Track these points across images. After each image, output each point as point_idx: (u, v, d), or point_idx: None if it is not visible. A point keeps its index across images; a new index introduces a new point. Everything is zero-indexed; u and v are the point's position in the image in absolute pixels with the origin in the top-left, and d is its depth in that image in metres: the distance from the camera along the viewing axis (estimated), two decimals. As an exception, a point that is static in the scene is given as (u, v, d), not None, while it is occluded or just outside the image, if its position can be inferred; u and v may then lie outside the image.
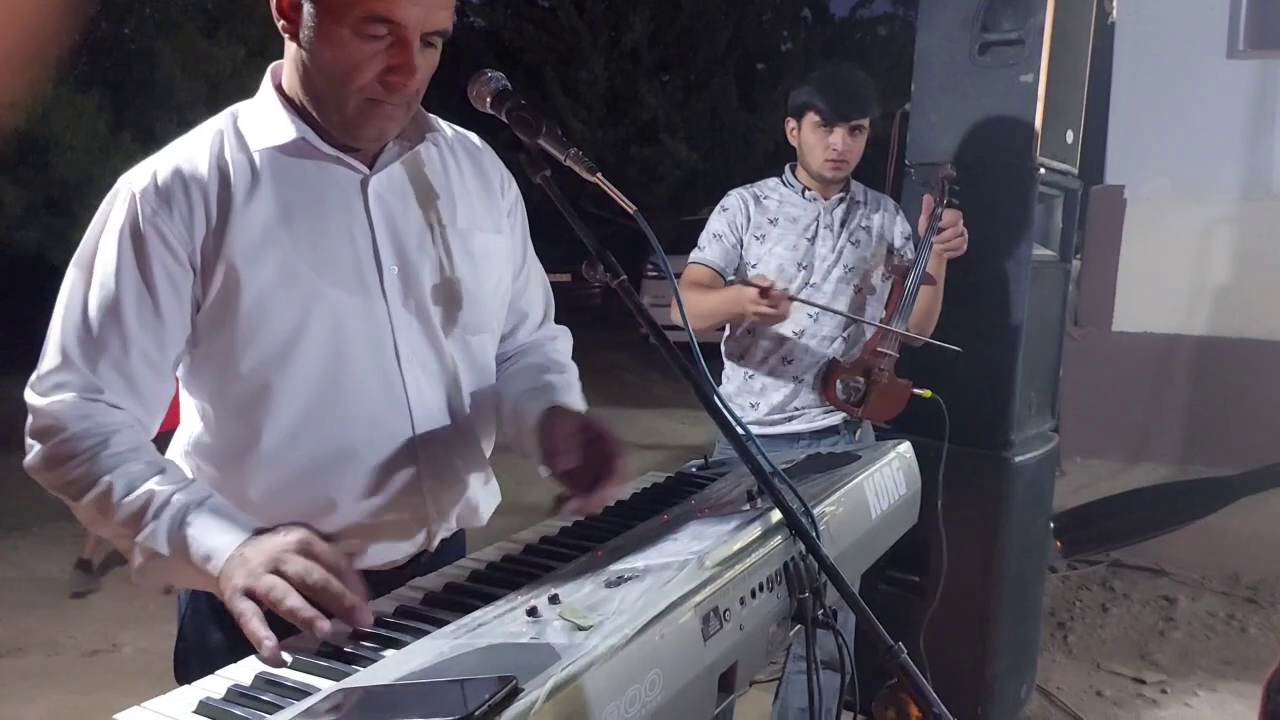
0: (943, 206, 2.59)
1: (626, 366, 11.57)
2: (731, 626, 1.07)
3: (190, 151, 1.34)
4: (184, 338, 1.34)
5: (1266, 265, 5.50)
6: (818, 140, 2.60)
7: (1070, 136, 3.16)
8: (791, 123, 2.69)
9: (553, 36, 13.74)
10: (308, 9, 1.26)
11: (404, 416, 1.41)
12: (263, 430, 1.35)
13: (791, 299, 2.44)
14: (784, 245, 2.65)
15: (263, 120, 1.37)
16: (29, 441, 1.29)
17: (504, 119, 1.35)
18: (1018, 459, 3.03)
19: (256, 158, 1.35)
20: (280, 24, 1.31)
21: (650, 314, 1.34)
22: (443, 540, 1.52)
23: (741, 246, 2.66)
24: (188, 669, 1.40)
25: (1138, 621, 4.17)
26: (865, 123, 2.61)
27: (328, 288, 1.34)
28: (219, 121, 1.39)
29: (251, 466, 1.37)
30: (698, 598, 1.04)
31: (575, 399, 1.52)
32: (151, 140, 9.86)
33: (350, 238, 1.37)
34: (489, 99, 1.37)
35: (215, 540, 1.17)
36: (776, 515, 1.24)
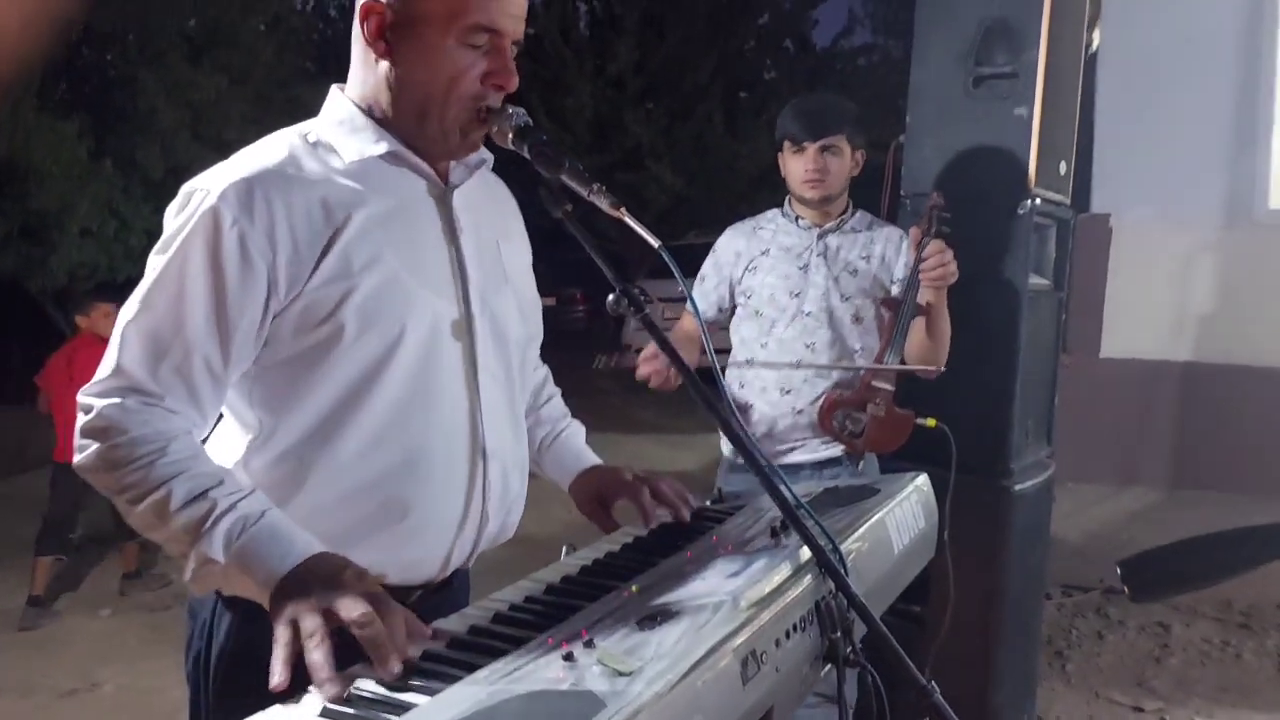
0: (929, 237, 2.59)
1: (612, 390, 11.53)
2: (769, 669, 1.06)
3: (272, 161, 1.33)
4: (253, 349, 1.33)
5: (1249, 291, 5.55)
6: (794, 164, 2.66)
7: (1063, 168, 3.19)
8: (780, 157, 2.74)
9: (539, 64, 13.79)
10: (409, 28, 1.34)
11: (478, 425, 1.44)
12: (347, 435, 1.35)
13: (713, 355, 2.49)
14: (776, 274, 2.67)
15: (350, 134, 1.39)
16: (81, 441, 1.27)
17: (526, 155, 1.35)
18: (1017, 487, 3.03)
19: (352, 169, 1.37)
20: (378, 47, 1.37)
21: (674, 347, 1.35)
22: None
23: (732, 283, 2.72)
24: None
25: (1134, 649, 4.17)
26: (837, 141, 2.63)
27: (427, 295, 1.38)
28: (289, 137, 1.39)
29: (328, 472, 1.35)
30: (736, 641, 1.02)
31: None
32: (132, 168, 9.89)
33: (439, 248, 1.42)
34: (510, 134, 1.37)
35: (272, 555, 1.19)
36: (804, 553, 1.23)
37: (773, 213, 2.79)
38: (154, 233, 1.34)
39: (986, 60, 3.01)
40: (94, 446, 1.26)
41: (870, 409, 2.61)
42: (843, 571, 1.20)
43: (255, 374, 1.36)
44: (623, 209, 1.31)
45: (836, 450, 2.67)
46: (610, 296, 1.31)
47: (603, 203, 1.31)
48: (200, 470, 1.25)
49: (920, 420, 2.67)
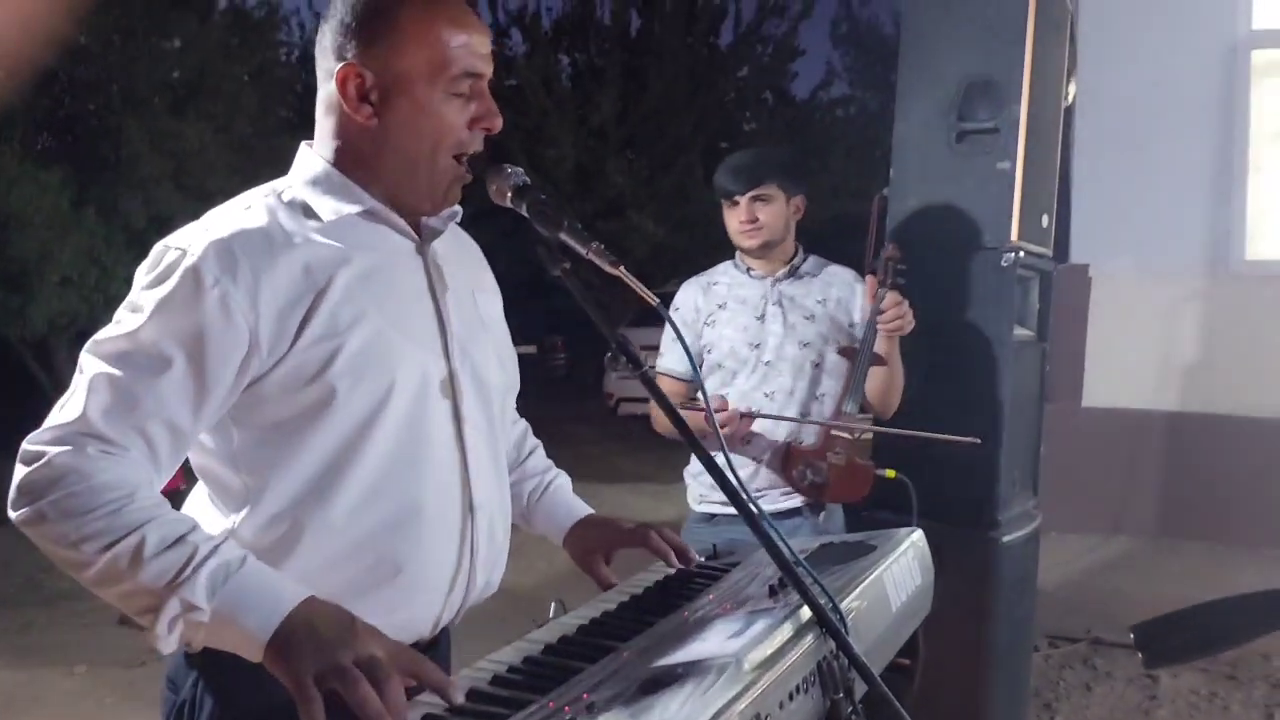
0: (885, 287, 2.63)
1: (590, 439, 11.49)
2: (773, 732, 1.05)
3: (252, 223, 1.32)
4: (222, 410, 1.30)
5: (1229, 342, 5.62)
6: (730, 216, 2.74)
7: (1045, 220, 3.23)
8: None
9: (521, 114, 13.88)
10: (394, 87, 1.34)
11: (464, 479, 1.43)
12: (340, 494, 1.32)
13: (744, 415, 2.55)
14: (733, 327, 2.70)
15: (325, 193, 1.38)
16: (20, 497, 1.19)
17: (524, 213, 1.36)
18: (1005, 538, 3.04)
19: (330, 228, 1.36)
20: (363, 111, 1.36)
21: (672, 403, 1.35)
22: None
23: (698, 339, 2.75)
24: None
25: (1123, 700, 4.16)
26: (768, 190, 2.70)
27: (412, 349, 1.37)
28: (265, 198, 1.38)
29: (321, 533, 1.32)
30: (741, 704, 1.01)
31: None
32: (115, 217, 9.86)
33: (422, 302, 1.42)
34: (509, 193, 1.38)
35: (265, 599, 1.14)
36: (805, 612, 1.22)
37: (725, 265, 2.85)
38: (135, 282, 1.31)
39: (969, 115, 3.06)
40: (45, 498, 1.17)
41: (831, 458, 2.61)
42: (844, 631, 1.19)
43: (241, 438, 1.33)
44: (621, 267, 1.32)
45: (797, 500, 2.68)
46: (609, 354, 1.32)
47: (602, 261, 1.32)
48: (172, 516, 1.21)
49: (880, 471, 2.67)
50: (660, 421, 2.69)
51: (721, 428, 2.46)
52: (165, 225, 1.37)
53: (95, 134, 10.35)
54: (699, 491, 2.76)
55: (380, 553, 1.35)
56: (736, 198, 2.70)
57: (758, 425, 2.64)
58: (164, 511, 1.21)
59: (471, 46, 1.37)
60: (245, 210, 1.35)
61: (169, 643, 1.16)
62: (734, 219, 2.72)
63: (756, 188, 2.69)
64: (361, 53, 1.35)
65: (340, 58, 1.36)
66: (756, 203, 2.69)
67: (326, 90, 1.39)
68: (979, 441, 2.54)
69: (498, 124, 1.41)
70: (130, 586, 1.16)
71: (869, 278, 2.70)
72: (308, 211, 1.36)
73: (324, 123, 1.42)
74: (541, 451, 1.82)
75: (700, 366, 2.74)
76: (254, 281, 1.27)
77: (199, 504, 1.40)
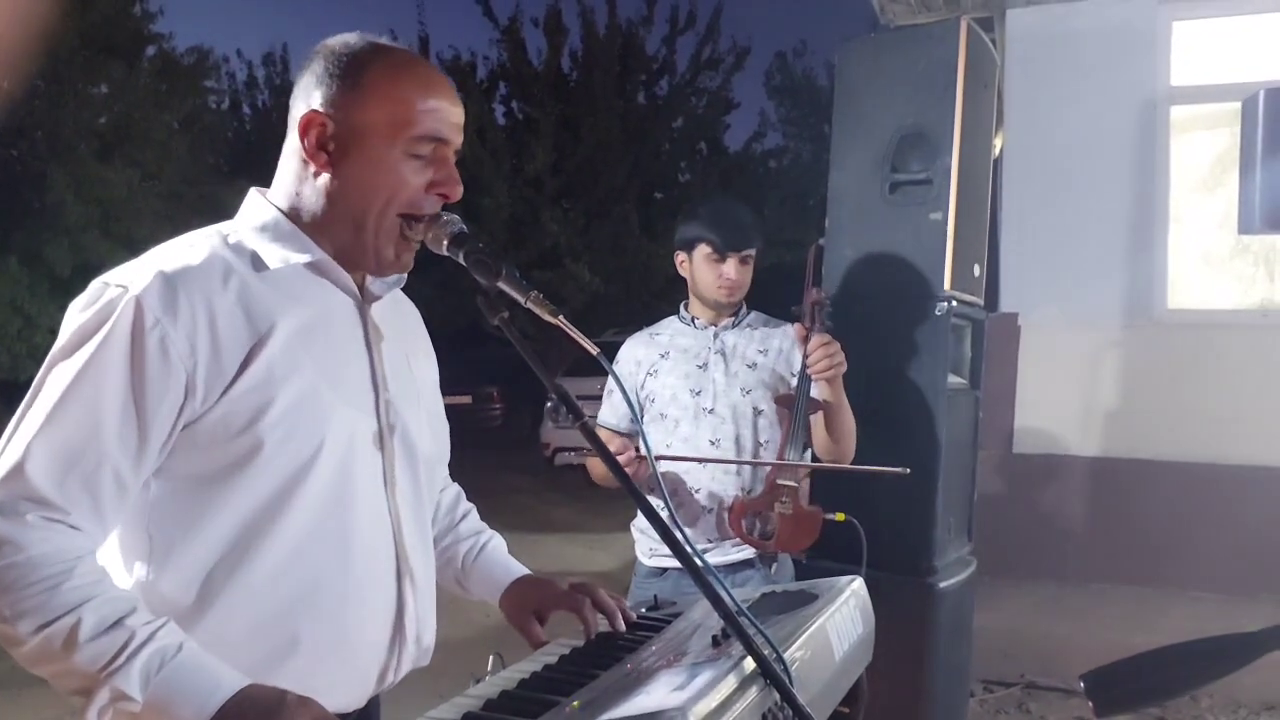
0: (813, 332, 2.61)
1: (526, 489, 11.38)
2: (720, 787, 1.03)
3: (195, 260, 1.28)
4: (161, 457, 1.24)
5: (1150, 388, 5.76)
6: (710, 270, 2.66)
7: (977, 270, 3.30)
8: (681, 255, 2.74)
9: (455, 164, 13.92)
10: (353, 139, 1.33)
11: (391, 548, 1.39)
12: (259, 557, 1.26)
13: (652, 458, 2.49)
14: (675, 375, 2.68)
15: (273, 241, 1.35)
16: None
17: (462, 261, 1.34)
18: (942, 584, 3.06)
19: (275, 276, 1.32)
20: (319, 159, 1.34)
21: (611, 453, 1.34)
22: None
23: (636, 390, 2.71)
24: None
25: (1057, 745, 4.19)
26: (751, 252, 2.68)
27: (345, 408, 1.34)
28: (210, 239, 1.34)
29: (238, 597, 1.26)
30: (688, 759, 0.99)
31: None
32: (38, 265, 9.63)
33: (358, 361, 1.39)
34: (446, 241, 1.36)
35: (199, 690, 1.11)
36: (749, 663, 1.20)
37: (669, 319, 2.82)
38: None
39: (902, 166, 3.13)
40: None
41: (778, 508, 2.59)
42: (789, 682, 1.18)
43: (158, 490, 1.27)
44: (560, 316, 1.31)
45: (749, 552, 2.65)
46: (549, 404, 1.31)
47: (541, 310, 1.30)
48: (110, 595, 1.15)
49: (829, 515, 2.66)
50: (597, 470, 2.67)
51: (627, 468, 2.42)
52: (92, 273, 1.31)
53: (18, 181, 10.13)
54: (649, 545, 2.71)
55: (302, 620, 1.30)
56: (729, 255, 2.64)
57: (707, 474, 2.62)
58: (103, 589, 1.16)
59: (440, 113, 1.36)
60: (189, 249, 1.30)
61: None
62: (716, 273, 2.65)
63: (747, 249, 2.66)
64: (328, 101, 1.33)
65: (307, 104, 1.35)
66: (743, 263, 2.66)
67: (292, 136, 1.37)
68: (907, 472, 2.53)
69: (457, 192, 1.39)
70: (63, 668, 1.13)
71: (796, 325, 2.68)
72: (254, 258, 1.33)
73: (285, 170, 1.39)
74: (475, 515, 1.77)
75: (642, 417, 2.70)
76: (193, 324, 1.23)
77: (105, 553, 1.30)
